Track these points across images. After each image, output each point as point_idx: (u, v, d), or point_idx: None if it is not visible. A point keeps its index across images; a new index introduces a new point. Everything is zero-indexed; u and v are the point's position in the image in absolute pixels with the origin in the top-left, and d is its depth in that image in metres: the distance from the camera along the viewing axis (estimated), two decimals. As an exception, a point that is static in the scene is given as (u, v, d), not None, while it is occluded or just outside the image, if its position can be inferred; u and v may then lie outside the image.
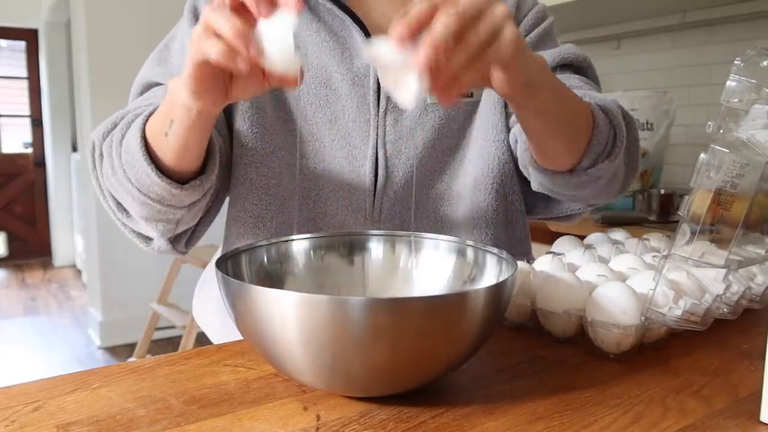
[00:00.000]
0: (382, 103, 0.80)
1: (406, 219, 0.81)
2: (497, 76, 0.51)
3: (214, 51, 0.48)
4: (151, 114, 0.64)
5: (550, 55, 0.82)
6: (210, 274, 0.93)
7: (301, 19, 0.78)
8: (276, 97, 0.79)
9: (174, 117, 0.58)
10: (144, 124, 0.63)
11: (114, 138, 0.67)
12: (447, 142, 0.83)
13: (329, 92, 0.79)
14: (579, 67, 0.84)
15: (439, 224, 0.83)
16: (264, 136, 0.78)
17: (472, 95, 0.83)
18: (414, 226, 0.80)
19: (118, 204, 0.72)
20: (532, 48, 0.83)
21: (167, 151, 0.62)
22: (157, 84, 0.78)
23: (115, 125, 0.69)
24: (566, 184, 0.71)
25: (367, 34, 0.79)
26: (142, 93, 0.79)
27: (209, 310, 0.90)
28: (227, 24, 0.47)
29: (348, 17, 0.79)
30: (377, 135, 0.80)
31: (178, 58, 0.78)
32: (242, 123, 0.78)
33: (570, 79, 0.80)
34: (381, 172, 0.80)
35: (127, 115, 0.69)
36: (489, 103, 0.83)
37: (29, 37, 5.24)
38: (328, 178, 0.80)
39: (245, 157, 0.79)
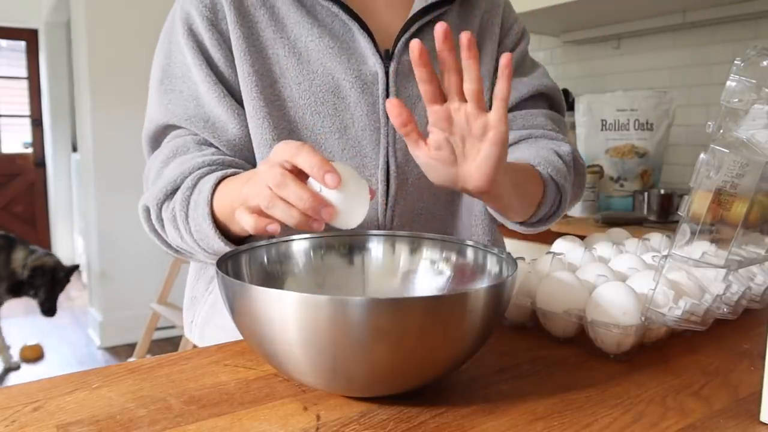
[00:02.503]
0: None
1: (416, 227, 0.80)
2: (474, 182, 0.61)
3: (290, 220, 0.54)
4: (211, 193, 0.67)
5: (525, 86, 0.87)
6: (216, 297, 0.84)
7: (301, 24, 0.77)
8: (278, 108, 0.76)
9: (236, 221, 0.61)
10: (211, 209, 0.67)
11: (176, 213, 0.70)
12: None
13: (338, 100, 0.76)
14: (549, 97, 0.90)
15: (449, 230, 0.83)
16: (261, 149, 0.76)
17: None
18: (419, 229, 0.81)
19: (188, 253, 0.76)
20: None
21: (236, 231, 0.67)
22: (174, 127, 0.77)
23: (167, 192, 0.71)
24: (515, 226, 0.83)
25: (371, 37, 0.77)
26: (159, 136, 0.79)
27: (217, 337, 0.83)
28: (300, 200, 0.53)
29: (354, 22, 0.76)
30: (388, 143, 0.78)
31: (186, 85, 0.76)
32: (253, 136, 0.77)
33: (537, 117, 0.86)
34: (393, 181, 0.78)
35: (175, 179, 0.71)
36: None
37: (29, 37, 5.24)
38: None
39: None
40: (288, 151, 0.54)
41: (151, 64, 0.83)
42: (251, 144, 0.77)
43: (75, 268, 3.02)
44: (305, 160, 0.53)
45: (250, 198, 0.57)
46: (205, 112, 0.76)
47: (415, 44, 0.55)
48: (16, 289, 2.85)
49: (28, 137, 5.39)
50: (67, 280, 3.00)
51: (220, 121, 0.75)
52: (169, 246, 0.77)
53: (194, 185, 0.69)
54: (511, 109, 0.87)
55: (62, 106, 5.11)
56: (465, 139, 0.59)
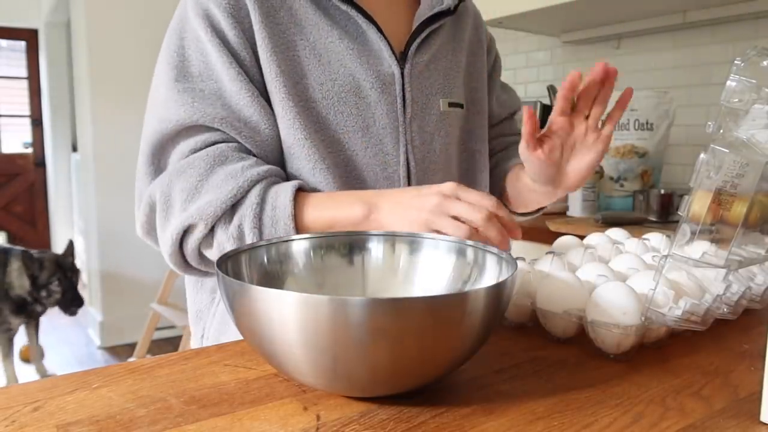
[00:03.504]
0: (408, 109, 0.81)
1: None
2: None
3: (496, 239, 0.64)
4: (293, 209, 0.69)
5: (508, 109, 1.03)
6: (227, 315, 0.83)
7: (320, 26, 0.77)
8: (304, 108, 0.76)
9: (345, 226, 0.70)
10: (294, 223, 0.69)
11: (244, 229, 0.69)
12: (454, 150, 0.89)
13: (359, 100, 0.78)
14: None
15: None
16: (293, 150, 0.76)
17: (462, 106, 0.90)
18: None
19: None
20: (493, 83, 1.01)
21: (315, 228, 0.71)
22: (202, 128, 0.72)
23: (225, 208, 0.69)
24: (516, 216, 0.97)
25: (386, 40, 0.80)
26: (178, 138, 0.73)
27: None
28: (512, 221, 0.66)
29: (371, 25, 0.79)
30: (406, 141, 0.81)
31: (208, 84, 0.73)
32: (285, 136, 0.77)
33: (516, 125, 1.03)
34: (413, 176, 0.82)
35: (233, 193, 0.69)
36: (477, 114, 0.93)
37: (29, 37, 5.24)
38: (362, 186, 0.79)
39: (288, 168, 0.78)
40: (492, 202, 0.66)
41: (151, 63, 0.82)
42: (281, 146, 0.77)
43: (70, 243, 2.88)
44: (505, 214, 0.66)
45: (443, 228, 0.65)
46: (236, 112, 0.73)
47: (575, 76, 0.68)
48: (22, 307, 2.73)
49: (28, 137, 5.39)
50: (74, 260, 2.88)
51: (253, 121, 0.74)
52: (187, 266, 0.75)
53: (262, 200, 0.69)
54: (501, 121, 1.02)
55: (62, 106, 5.11)
56: (575, 147, 0.75)
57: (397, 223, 0.67)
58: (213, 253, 0.72)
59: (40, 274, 2.71)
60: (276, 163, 0.77)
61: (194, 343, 0.88)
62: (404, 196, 0.68)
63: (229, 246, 0.69)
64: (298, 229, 0.70)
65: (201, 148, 0.72)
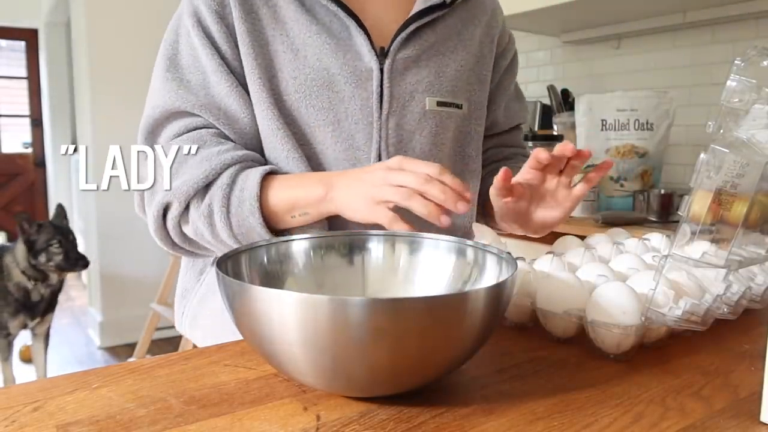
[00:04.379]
0: (385, 105, 0.80)
1: (408, 216, 0.80)
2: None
3: (424, 210, 0.65)
4: (258, 190, 0.72)
5: (515, 120, 1.01)
6: (206, 289, 0.87)
7: (300, 21, 0.79)
8: (278, 100, 0.79)
9: (311, 211, 0.73)
10: (259, 204, 0.72)
11: (213, 208, 0.73)
12: (445, 150, 0.86)
13: (332, 94, 0.79)
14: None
15: (442, 230, 0.83)
16: (269, 139, 0.79)
17: (461, 107, 0.87)
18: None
19: (201, 249, 0.80)
20: (503, 89, 0.99)
21: (288, 223, 0.74)
22: (185, 114, 0.78)
23: (197, 188, 0.73)
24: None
25: (367, 35, 0.79)
26: (164, 122, 0.79)
27: (205, 329, 0.86)
28: (443, 193, 0.64)
29: (351, 20, 0.78)
30: (380, 137, 0.80)
31: (194, 75, 0.78)
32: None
33: (517, 137, 1.03)
34: None
35: (206, 175, 0.73)
36: (475, 119, 0.89)
37: (29, 37, 5.24)
38: None
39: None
40: (435, 168, 0.66)
41: (151, 63, 0.84)
42: (259, 134, 0.80)
43: (59, 207, 2.78)
44: (450, 179, 0.65)
45: (386, 196, 0.66)
46: (216, 101, 0.78)
47: (567, 148, 0.69)
48: (23, 302, 2.63)
49: (28, 137, 5.39)
50: (68, 222, 2.76)
51: (232, 110, 0.78)
52: (174, 245, 0.79)
53: (232, 182, 0.73)
54: (501, 133, 1.00)
55: (62, 106, 5.11)
56: (545, 198, 0.77)
57: (350, 199, 0.70)
58: (189, 230, 0.77)
59: (38, 237, 2.60)
60: (256, 149, 0.80)
61: (177, 322, 0.92)
62: (357, 173, 0.72)
63: (200, 224, 0.74)
64: (263, 209, 0.72)
65: (183, 133, 0.78)
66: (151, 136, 0.81)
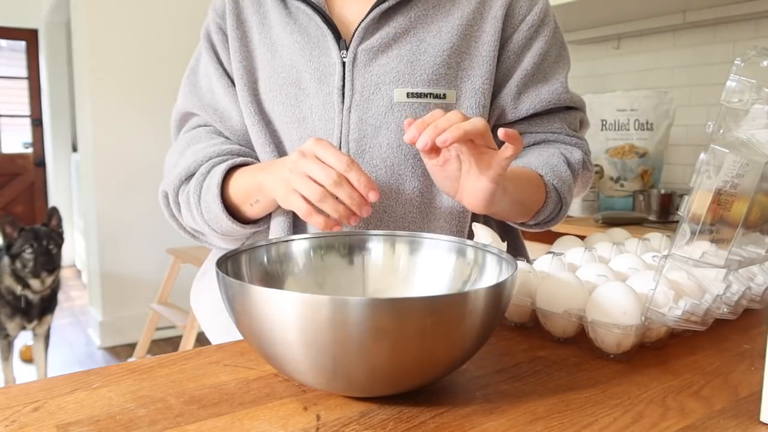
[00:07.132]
0: (347, 100, 0.78)
1: (372, 222, 0.79)
2: (476, 187, 0.67)
3: (335, 214, 0.66)
4: (221, 178, 0.77)
5: (541, 102, 0.84)
6: (210, 265, 0.95)
7: (281, 23, 0.82)
8: (255, 100, 0.83)
9: (260, 199, 0.75)
10: (220, 191, 0.77)
11: (190, 196, 0.80)
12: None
13: (299, 91, 0.80)
14: (571, 108, 0.89)
15: (409, 227, 0.80)
16: (252, 137, 0.84)
17: (445, 96, 0.79)
18: (381, 228, 0.79)
19: (200, 234, 0.86)
20: (517, 70, 0.85)
21: (248, 212, 0.78)
22: (192, 114, 0.89)
23: (183, 178, 0.81)
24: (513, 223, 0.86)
25: (339, 36, 0.79)
26: (182, 121, 0.91)
27: (204, 302, 0.92)
28: (351, 198, 0.65)
29: (317, 14, 0.78)
30: (341, 132, 0.78)
31: (204, 80, 0.88)
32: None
33: (554, 122, 0.86)
34: None
35: (189, 166, 0.81)
36: (468, 108, 0.81)
37: (29, 37, 5.24)
38: None
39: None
40: (342, 163, 0.64)
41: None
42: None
43: (51, 209, 2.70)
44: (357, 177, 0.64)
45: (298, 187, 0.67)
46: (215, 102, 0.87)
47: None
48: (16, 306, 2.58)
49: (28, 137, 5.39)
50: (57, 225, 2.68)
51: (227, 110, 0.86)
52: (184, 229, 0.87)
53: (208, 172, 0.79)
54: (528, 118, 0.86)
55: (62, 106, 5.11)
56: (472, 163, 0.66)
57: (272, 183, 0.72)
58: (185, 216, 0.84)
59: (15, 242, 2.56)
60: (248, 146, 0.86)
61: (192, 299, 0.96)
62: (283, 159, 0.73)
63: (184, 208, 0.82)
64: (223, 197, 0.77)
65: (190, 130, 0.88)
66: (176, 131, 0.92)
